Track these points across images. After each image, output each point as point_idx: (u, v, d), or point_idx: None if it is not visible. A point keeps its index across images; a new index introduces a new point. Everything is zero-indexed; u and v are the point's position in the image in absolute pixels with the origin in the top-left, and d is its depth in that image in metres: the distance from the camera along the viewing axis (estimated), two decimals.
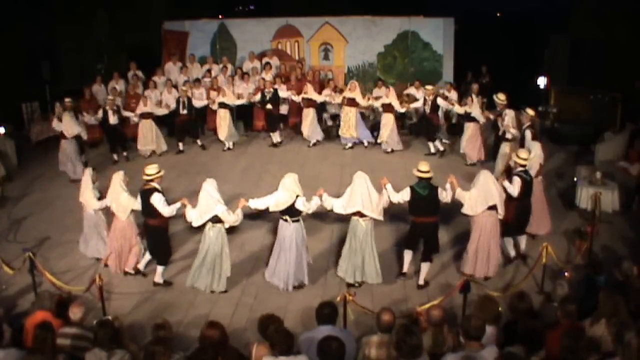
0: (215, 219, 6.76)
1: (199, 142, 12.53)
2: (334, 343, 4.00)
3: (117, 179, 7.31)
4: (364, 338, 4.70)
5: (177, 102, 12.18)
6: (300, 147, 12.50)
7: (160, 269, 7.23)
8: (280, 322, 4.73)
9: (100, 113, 11.52)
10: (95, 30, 16.01)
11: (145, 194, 6.94)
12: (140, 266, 7.41)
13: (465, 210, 6.97)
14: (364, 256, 6.94)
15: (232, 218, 6.77)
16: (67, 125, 10.54)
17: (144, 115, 11.78)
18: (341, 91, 12.64)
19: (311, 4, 16.19)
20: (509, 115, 9.82)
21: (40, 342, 4.46)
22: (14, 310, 6.51)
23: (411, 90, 13.00)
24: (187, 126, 12.35)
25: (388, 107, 11.85)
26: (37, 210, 9.54)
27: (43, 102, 13.29)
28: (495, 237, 7.05)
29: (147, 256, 7.35)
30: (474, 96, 11.24)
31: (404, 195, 6.90)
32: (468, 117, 11.08)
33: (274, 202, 6.85)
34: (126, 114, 11.89)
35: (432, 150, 11.75)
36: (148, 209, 6.97)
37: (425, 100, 11.71)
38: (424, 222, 6.95)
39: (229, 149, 12.39)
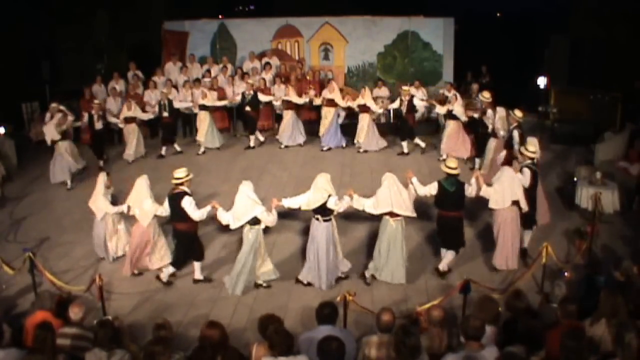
0: (254, 221, 6.76)
1: (177, 146, 12.29)
2: (334, 343, 4.00)
3: (143, 183, 7.18)
4: (364, 338, 4.70)
5: (159, 105, 11.96)
6: (299, 148, 12.48)
7: (198, 264, 7.21)
8: (280, 322, 4.72)
9: (86, 117, 11.30)
10: (95, 30, 15.99)
11: (175, 198, 6.85)
12: (163, 277, 7.25)
13: (493, 204, 7.09)
14: (392, 256, 6.98)
15: (270, 218, 6.82)
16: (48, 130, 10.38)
17: (128, 120, 11.62)
18: (341, 91, 12.67)
19: (311, 4, 16.17)
20: (499, 114, 9.81)
21: (40, 342, 4.46)
22: (14, 310, 6.51)
23: (411, 90, 12.98)
24: (169, 128, 12.22)
25: (364, 108, 11.91)
26: (37, 210, 9.55)
27: (43, 102, 13.28)
28: (516, 231, 7.21)
29: (170, 269, 7.25)
30: (457, 95, 11.38)
31: (431, 190, 7.08)
32: (450, 115, 11.20)
33: (306, 201, 6.90)
34: (111, 119, 11.70)
35: (406, 150, 11.92)
36: (178, 213, 6.87)
37: (401, 101, 11.77)
38: (449, 215, 7.11)
39: (204, 152, 12.20)
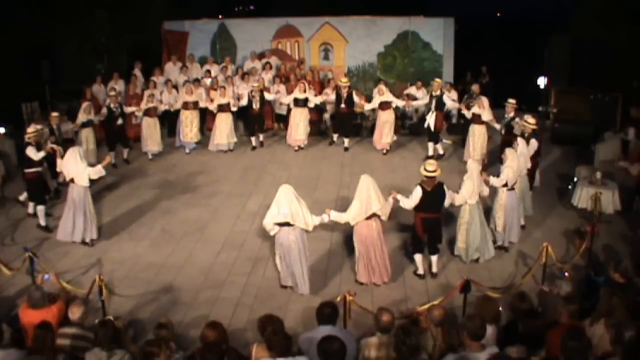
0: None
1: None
2: (335, 343, 3.98)
3: (371, 183, 6.79)
4: (362, 340, 4.70)
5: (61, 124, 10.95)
6: (300, 148, 12.45)
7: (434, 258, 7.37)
8: (280, 322, 4.71)
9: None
10: (95, 30, 15.99)
11: (438, 189, 7.02)
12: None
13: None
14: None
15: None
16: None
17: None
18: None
19: (311, 4, 16.19)
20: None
21: (40, 342, 4.46)
22: (14, 311, 6.50)
23: (411, 90, 13.01)
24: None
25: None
26: None
27: (43, 102, 13.27)
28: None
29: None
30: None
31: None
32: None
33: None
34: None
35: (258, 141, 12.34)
36: (437, 204, 7.09)
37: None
38: None
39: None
